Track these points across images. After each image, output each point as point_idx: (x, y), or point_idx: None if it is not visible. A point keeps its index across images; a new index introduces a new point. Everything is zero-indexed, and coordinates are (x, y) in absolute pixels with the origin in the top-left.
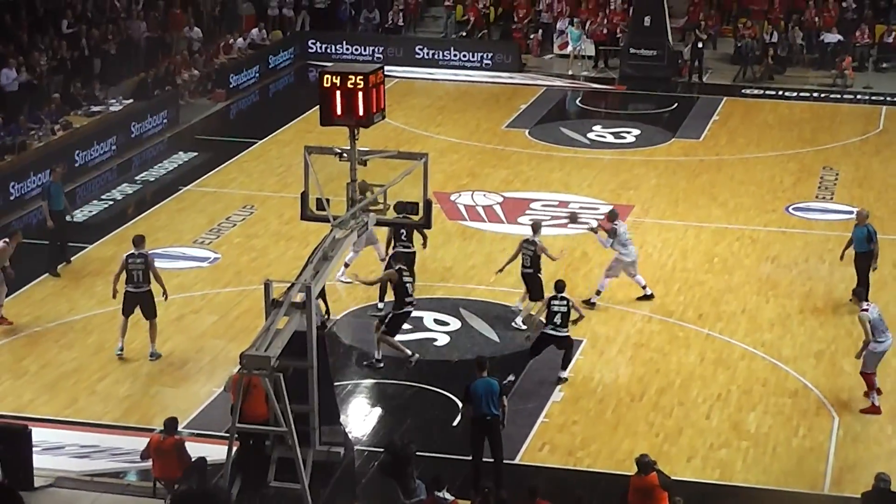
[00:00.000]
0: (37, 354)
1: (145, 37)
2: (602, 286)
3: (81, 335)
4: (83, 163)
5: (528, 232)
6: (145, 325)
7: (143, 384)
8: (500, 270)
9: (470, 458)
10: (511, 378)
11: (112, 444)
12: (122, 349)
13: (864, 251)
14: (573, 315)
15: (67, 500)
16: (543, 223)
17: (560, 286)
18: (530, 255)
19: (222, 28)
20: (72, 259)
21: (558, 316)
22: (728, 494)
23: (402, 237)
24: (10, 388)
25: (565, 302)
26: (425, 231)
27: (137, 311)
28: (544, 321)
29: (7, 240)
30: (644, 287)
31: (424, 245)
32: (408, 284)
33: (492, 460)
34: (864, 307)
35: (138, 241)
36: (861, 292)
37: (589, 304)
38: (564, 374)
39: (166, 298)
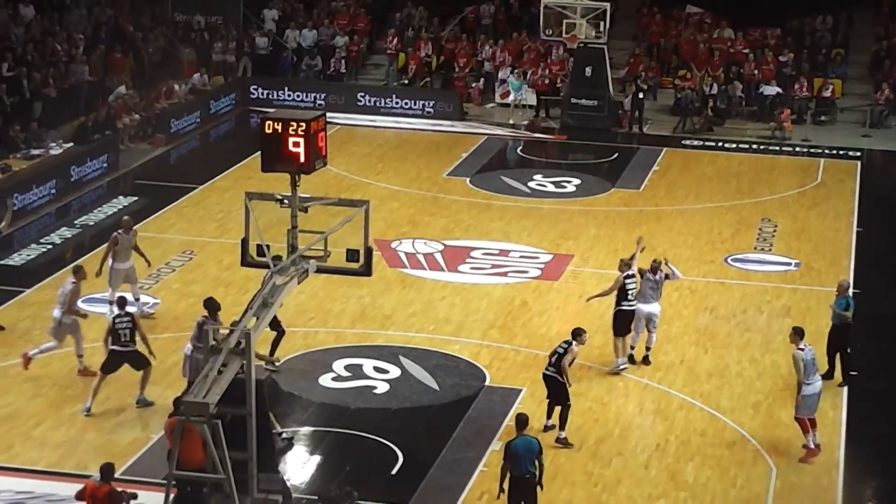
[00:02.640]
0: None
1: (86, 81)
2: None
3: (17, 380)
4: (21, 206)
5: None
6: (92, 377)
7: (80, 430)
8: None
9: None
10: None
11: (47, 490)
12: (89, 409)
13: (845, 323)
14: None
15: None
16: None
17: None
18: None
19: (163, 73)
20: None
21: None
22: None
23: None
24: None
25: None
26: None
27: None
28: None
29: (74, 280)
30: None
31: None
32: None
33: None
34: (801, 346)
35: (122, 302)
36: (800, 331)
37: (646, 361)
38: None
39: (154, 359)
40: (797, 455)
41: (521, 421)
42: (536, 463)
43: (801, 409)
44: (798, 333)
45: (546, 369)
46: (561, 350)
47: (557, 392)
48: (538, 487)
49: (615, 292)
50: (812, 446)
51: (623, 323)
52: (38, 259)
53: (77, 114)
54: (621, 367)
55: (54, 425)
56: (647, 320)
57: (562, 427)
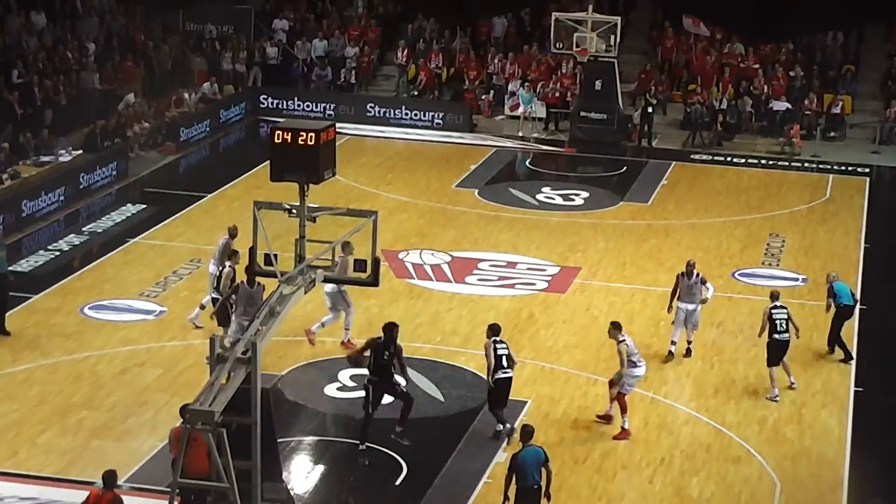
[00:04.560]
0: None
1: (97, 89)
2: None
3: (23, 387)
4: (30, 213)
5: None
6: (88, 380)
7: (85, 437)
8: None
9: None
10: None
11: (52, 496)
12: None
13: (849, 304)
14: None
15: None
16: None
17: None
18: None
19: (175, 82)
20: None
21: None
22: None
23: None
24: None
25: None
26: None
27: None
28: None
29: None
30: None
31: None
32: None
33: None
34: (621, 338)
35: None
36: (618, 324)
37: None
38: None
39: None
40: (803, 472)
41: (528, 432)
42: (543, 472)
43: (626, 387)
44: (616, 327)
45: (504, 371)
46: (504, 349)
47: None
48: (545, 498)
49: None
50: (626, 427)
51: (776, 353)
52: (46, 266)
53: (87, 122)
54: (776, 397)
55: (60, 432)
56: (685, 317)
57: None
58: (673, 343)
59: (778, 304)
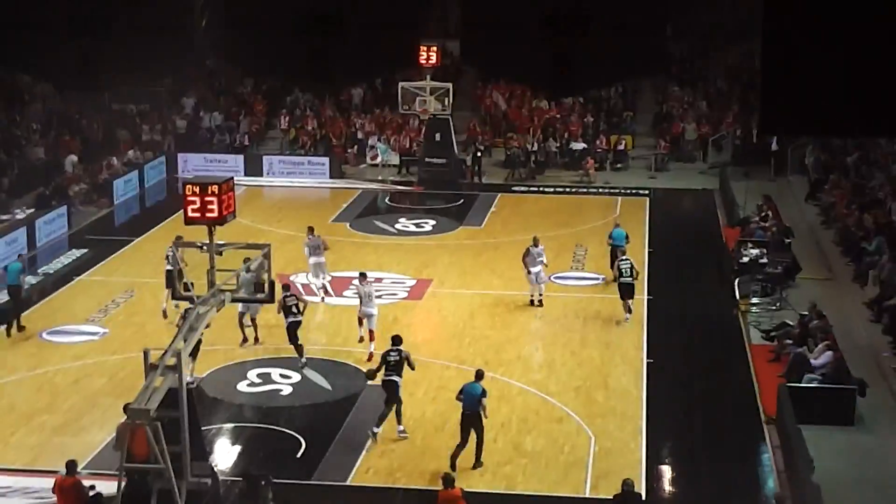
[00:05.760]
0: None
1: (41, 159)
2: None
3: None
4: None
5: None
6: (48, 390)
7: (48, 435)
8: None
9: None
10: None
11: (24, 484)
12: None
13: (619, 245)
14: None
15: None
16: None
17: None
18: None
19: (105, 150)
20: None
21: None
22: (513, 502)
23: (293, 311)
24: None
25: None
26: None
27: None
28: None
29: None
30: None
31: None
32: None
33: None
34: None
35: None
36: None
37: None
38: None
39: None
40: (611, 425)
41: (480, 374)
42: (482, 403)
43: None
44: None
45: (387, 376)
46: (395, 356)
47: (395, 394)
48: (482, 418)
49: None
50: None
51: (625, 290)
52: (8, 302)
53: (37, 185)
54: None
55: (27, 432)
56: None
57: (399, 421)
58: (531, 299)
59: (624, 256)
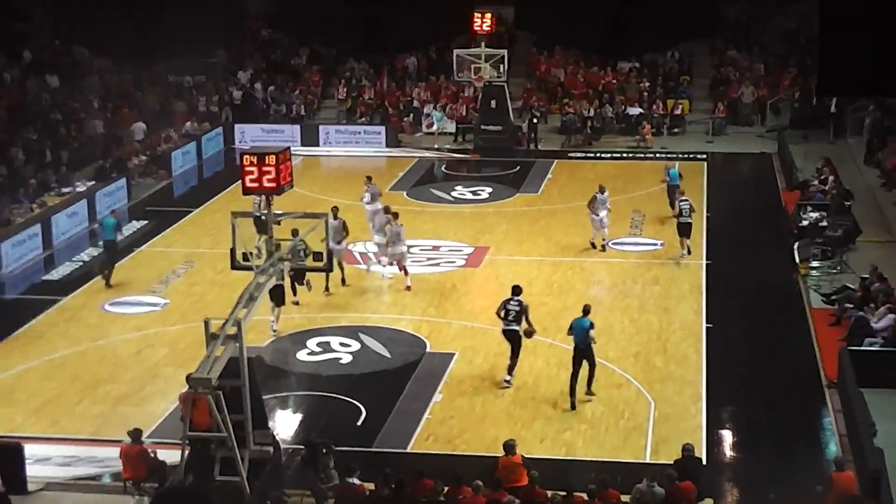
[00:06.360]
0: (24, 387)
1: (101, 133)
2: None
3: (60, 369)
4: (58, 232)
5: (415, 270)
6: (111, 360)
7: (112, 405)
8: None
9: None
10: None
11: (89, 454)
12: None
13: (675, 185)
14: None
15: (55, 500)
16: (423, 262)
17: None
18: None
19: (162, 122)
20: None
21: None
22: (573, 467)
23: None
24: (4, 414)
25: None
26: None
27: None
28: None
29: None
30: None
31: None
32: None
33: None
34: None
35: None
36: None
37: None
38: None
39: None
40: (670, 391)
41: (586, 309)
42: (591, 335)
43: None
44: None
45: (507, 325)
46: (515, 306)
47: (518, 343)
48: (593, 350)
49: None
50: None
51: (683, 229)
52: (73, 273)
53: (96, 158)
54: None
55: (92, 403)
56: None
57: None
58: (592, 243)
59: (683, 197)
